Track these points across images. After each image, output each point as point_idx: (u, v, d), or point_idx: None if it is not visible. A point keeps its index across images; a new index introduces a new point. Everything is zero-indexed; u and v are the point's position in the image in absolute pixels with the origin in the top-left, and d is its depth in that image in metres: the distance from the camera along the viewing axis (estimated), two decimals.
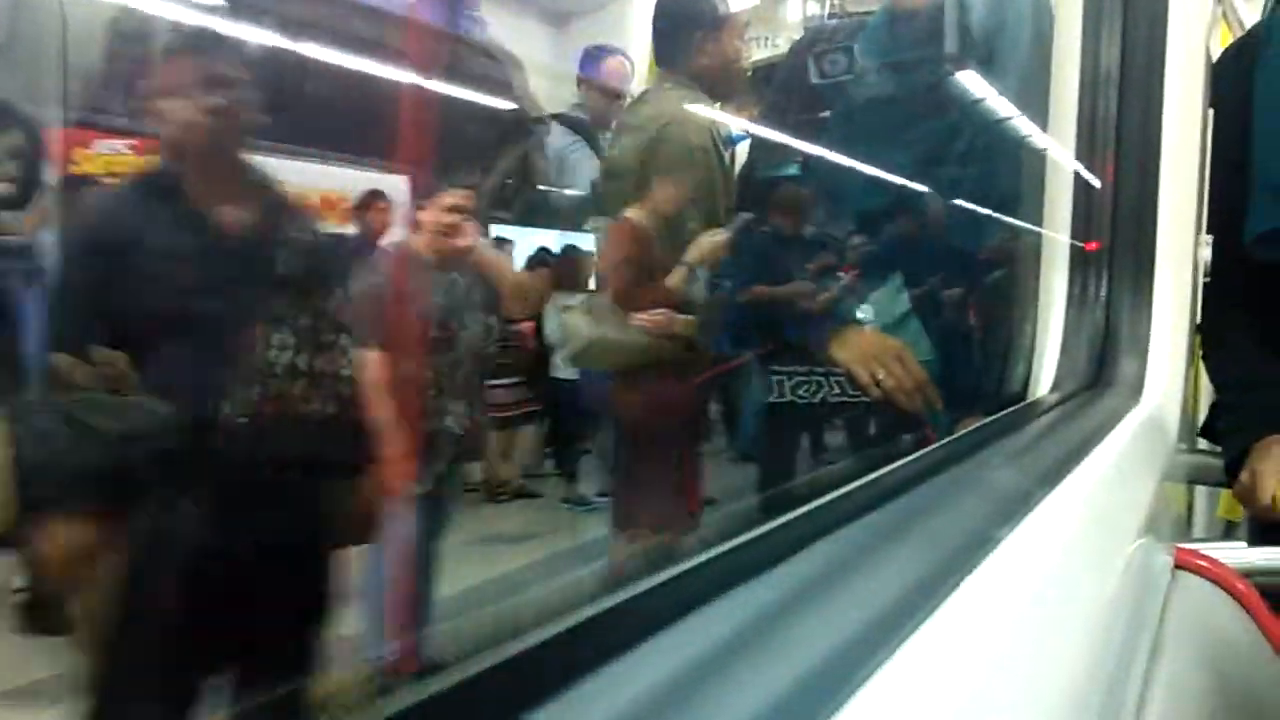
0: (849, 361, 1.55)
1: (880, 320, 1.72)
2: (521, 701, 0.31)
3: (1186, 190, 1.52)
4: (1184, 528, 1.93)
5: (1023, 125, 1.66)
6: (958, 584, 0.49)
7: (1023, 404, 1.33)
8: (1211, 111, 1.59)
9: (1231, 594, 1.00)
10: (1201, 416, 1.79)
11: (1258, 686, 0.93)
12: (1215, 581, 1.00)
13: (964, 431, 0.96)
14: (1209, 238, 1.62)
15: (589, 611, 0.37)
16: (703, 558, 0.45)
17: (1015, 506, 0.66)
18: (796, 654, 0.39)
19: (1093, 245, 1.48)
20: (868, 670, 0.38)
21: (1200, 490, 2.41)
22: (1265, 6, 1.52)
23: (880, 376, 1.50)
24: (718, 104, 2.44)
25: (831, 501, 0.60)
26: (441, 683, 0.31)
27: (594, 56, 3.23)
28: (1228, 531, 2.48)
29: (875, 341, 1.57)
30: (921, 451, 0.80)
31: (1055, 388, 1.38)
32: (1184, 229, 1.52)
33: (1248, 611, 0.99)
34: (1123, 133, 1.51)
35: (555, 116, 3.06)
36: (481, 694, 0.32)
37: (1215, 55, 1.66)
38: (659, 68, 2.63)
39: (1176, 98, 1.49)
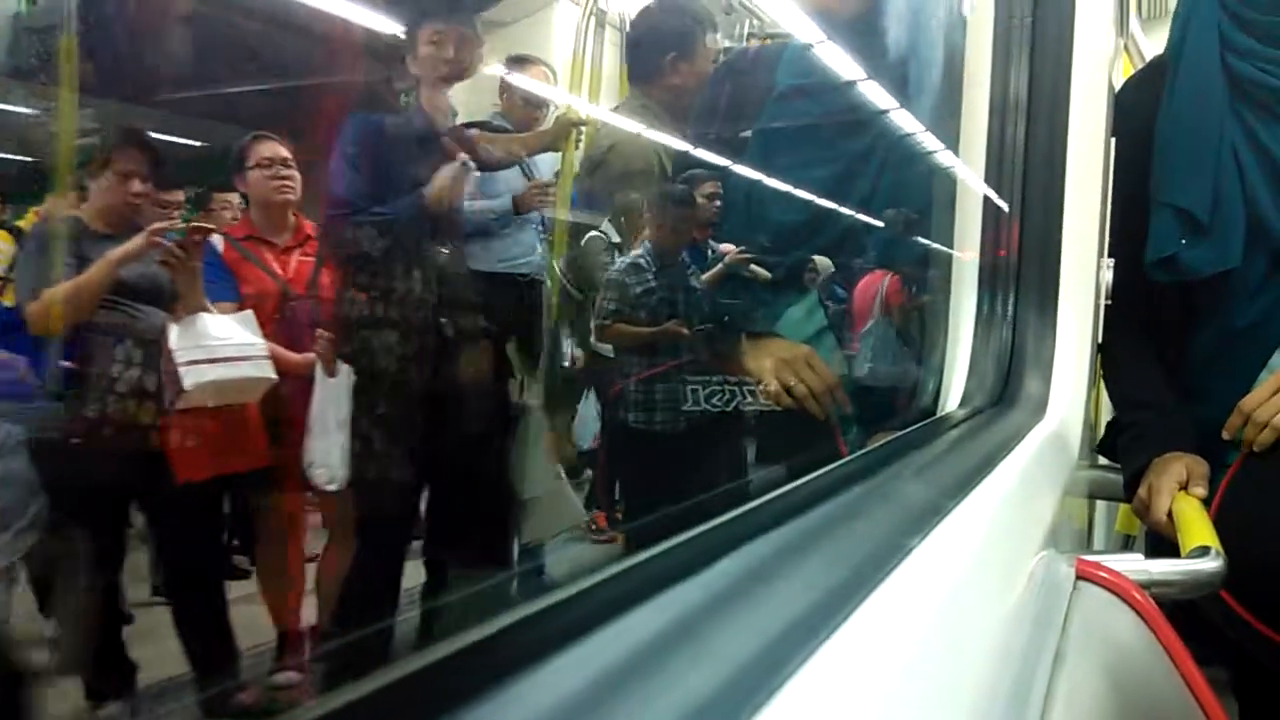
0: (759, 371, 1.55)
1: (795, 336, 1.74)
2: (450, 701, 0.31)
3: (1089, 215, 1.57)
4: (1085, 541, 1.98)
5: (935, 149, 1.70)
6: (870, 591, 0.51)
7: (932, 419, 1.36)
8: (1114, 140, 1.64)
9: (1130, 604, 1.03)
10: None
11: (1155, 693, 0.97)
12: (1115, 592, 1.04)
13: (875, 445, 0.98)
14: (1110, 261, 1.67)
15: (508, 617, 0.38)
16: (617, 567, 0.46)
17: (925, 518, 0.67)
18: (711, 661, 0.39)
19: (1001, 254, 1.52)
20: (782, 676, 0.39)
21: (1100, 505, 2.49)
22: (1170, 38, 1.58)
23: (791, 384, 1.49)
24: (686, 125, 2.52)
25: (745, 513, 0.60)
26: (370, 684, 0.31)
27: (517, 64, 3.30)
28: (1125, 545, 2.56)
29: (785, 348, 1.57)
30: (834, 464, 0.82)
31: (964, 403, 1.41)
32: (1087, 252, 1.57)
33: (1144, 620, 1.03)
34: (1030, 158, 1.55)
35: (476, 124, 3.11)
36: (407, 695, 0.32)
37: (1117, 85, 1.72)
38: (631, 85, 2.73)
39: (1081, 125, 1.55)
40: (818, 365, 1.51)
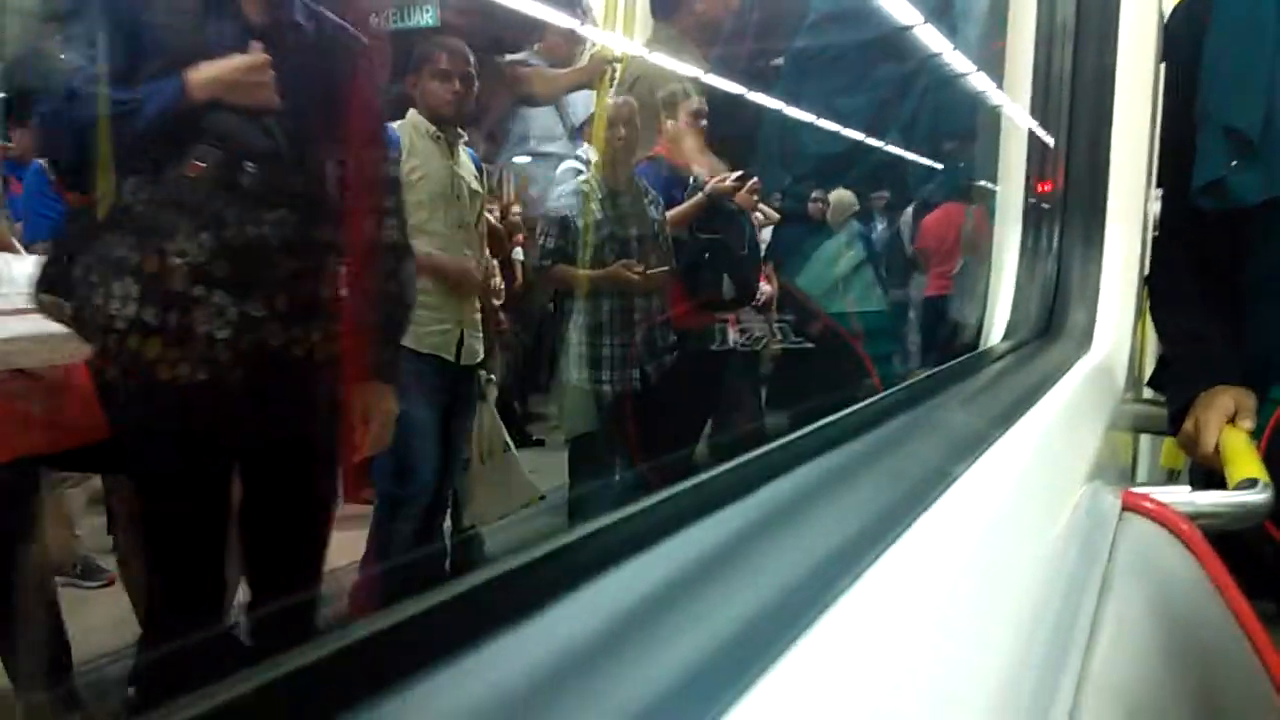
0: None
1: (834, 270, 1.72)
2: (513, 610, 0.31)
3: (1138, 145, 1.54)
4: (1130, 476, 1.97)
5: (979, 77, 1.67)
6: (917, 516, 0.51)
7: (976, 351, 1.35)
8: (1163, 67, 1.61)
9: (1176, 535, 1.03)
10: (1149, 368, 1.83)
11: (1201, 623, 0.96)
12: (1161, 523, 1.03)
13: (919, 377, 0.97)
14: (1159, 192, 1.64)
15: (566, 535, 0.38)
16: (668, 490, 0.46)
17: (970, 446, 0.67)
18: (759, 582, 0.39)
19: (1046, 185, 1.49)
20: (829, 597, 0.39)
21: (1144, 440, 2.46)
22: None
23: None
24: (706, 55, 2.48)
25: (792, 439, 0.60)
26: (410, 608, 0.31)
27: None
28: (1169, 480, 2.54)
29: None
30: (878, 395, 0.81)
31: (1007, 336, 1.40)
32: (1135, 183, 1.55)
33: (1191, 551, 1.02)
34: (1077, 86, 1.52)
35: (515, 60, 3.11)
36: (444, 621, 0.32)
37: (1167, 11, 1.68)
38: (655, 18, 2.70)
39: (1129, 53, 1.51)
40: None
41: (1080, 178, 1.51)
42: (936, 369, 1.00)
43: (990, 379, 1.04)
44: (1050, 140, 1.53)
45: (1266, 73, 1.47)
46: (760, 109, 1.71)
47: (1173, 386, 1.57)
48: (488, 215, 3.03)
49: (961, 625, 0.48)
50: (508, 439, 2.99)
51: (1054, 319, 1.44)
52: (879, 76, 1.61)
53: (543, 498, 3.03)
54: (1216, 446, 1.38)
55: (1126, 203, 1.52)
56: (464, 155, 2.77)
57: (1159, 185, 1.64)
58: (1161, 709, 0.75)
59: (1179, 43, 1.59)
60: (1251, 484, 1.15)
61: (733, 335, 3.32)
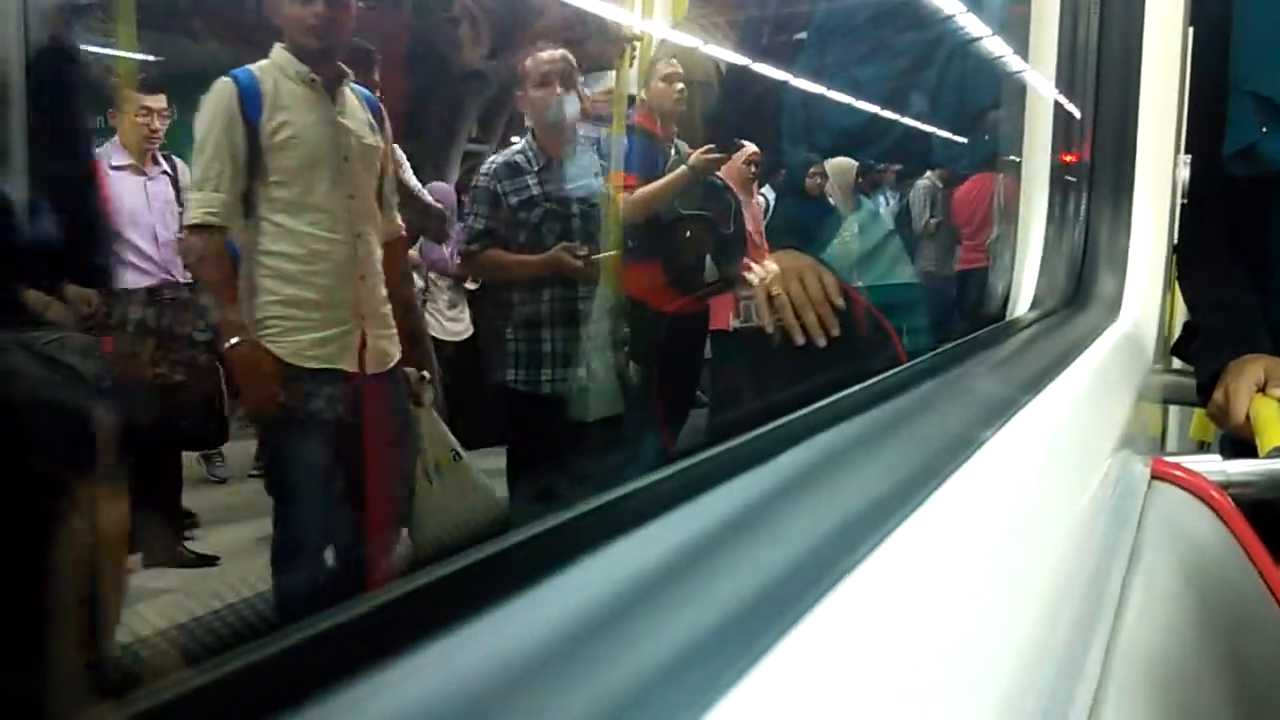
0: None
1: (862, 242, 1.71)
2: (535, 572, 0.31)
3: (1166, 110, 1.52)
4: (1159, 447, 1.96)
5: (1004, 46, 1.65)
6: (943, 480, 0.50)
7: (1004, 320, 1.34)
8: (1191, 30, 1.58)
9: (1207, 503, 1.02)
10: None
11: (1232, 591, 0.95)
12: (1192, 491, 1.02)
13: (947, 346, 0.96)
14: (1188, 158, 1.62)
15: (593, 499, 0.38)
16: (695, 456, 0.46)
17: (998, 412, 0.66)
18: (783, 543, 0.39)
19: (1072, 157, 1.47)
20: (854, 559, 0.39)
21: (1173, 411, 2.44)
22: None
23: (775, 293, 1.36)
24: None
25: (820, 406, 0.60)
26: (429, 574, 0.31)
27: None
28: (1199, 451, 2.52)
29: (788, 259, 1.43)
30: (906, 364, 0.81)
31: (1035, 305, 1.39)
32: (1163, 149, 1.52)
33: (1222, 520, 1.01)
34: (1104, 52, 1.50)
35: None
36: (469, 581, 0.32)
37: None
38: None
39: (1157, 16, 1.49)
40: (810, 282, 1.35)
41: (1107, 145, 1.49)
42: (961, 340, 0.99)
43: (1017, 347, 1.03)
44: (1076, 108, 1.51)
45: None
46: (784, 84, 1.69)
47: (1201, 356, 1.56)
48: (405, 176, 2.52)
49: (988, 589, 0.47)
50: (456, 445, 2.45)
51: (1081, 288, 1.42)
52: (900, 46, 1.59)
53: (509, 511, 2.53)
54: (1247, 416, 1.36)
55: (1155, 170, 1.50)
56: (354, 101, 2.19)
57: (1188, 152, 1.62)
58: (1191, 677, 0.74)
59: (1208, 6, 1.57)
60: None
61: (732, 319, 3.17)
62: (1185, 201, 1.63)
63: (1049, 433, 0.71)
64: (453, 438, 2.43)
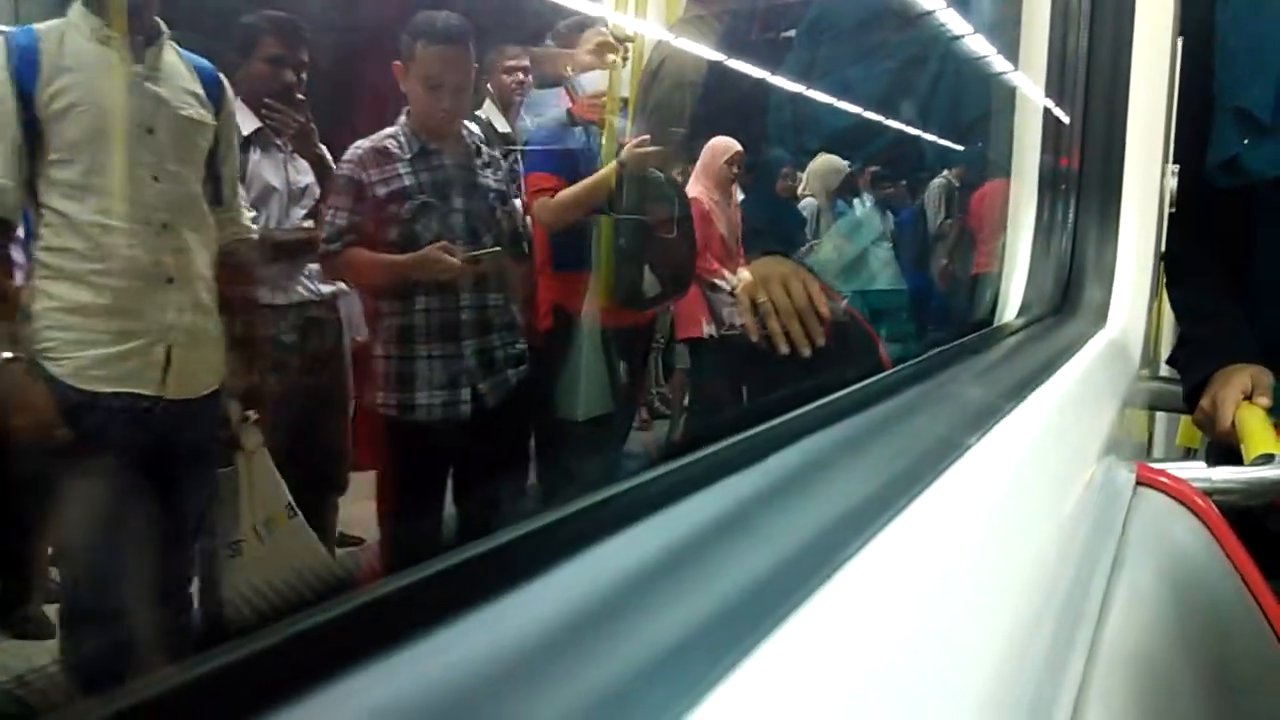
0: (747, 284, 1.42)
1: (853, 245, 1.71)
2: (514, 576, 0.32)
3: (1154, 119, 1.53)
4: (1145, 453, 1.97)
5: (993, 56, 1.66)
6: (927, 485, 0.50)
7: (990, 327, 1.35)
8: (1180, 40, 1.59)
9: (1191, 510, 1.02)
10: (1166, 345, 1.82)
11: (1215, 596, 0.96)
12: (1176, 498, 1.03)
13: (932, 352, 0.97)
14: (1176, 167, 1.63)
15: (572, 502, 0.38)
16: (680, 459, 0.46)
17: (983, 418, 0.67)
18: (766, 546, 0.39)
19: (1062, 160, 1.48)
20: (836, 562, 0.39)
21: (1160, 418, 2.46)
22: None
23: (760, 299, 1.32)
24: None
25: (805, 411, 0.60)
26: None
27: None
28: (1185, 458, 2.53)
29: (771, 265, 1.39)
30: (891, 370, 0.81)
31: (1022, 313, 1.39)
32: (1151, 158, 1.53)
33: (1206, 526, 1.02)
34: (1093, 62, 1.51)
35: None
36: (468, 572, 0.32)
37: None
38: None
39: (1146, 25, 1.50)
40: (795, 288, 1.32)
41: (1095, 151, 1.50)
42: (947, 346, 1.00)
43: (1004, 354, 1.03)
44: (1065, 116, 1.52)
45: (1275, 51, 1.46)
46: (772, 86, 1.68)
47: (1189, 364, 1.57)
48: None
49: (972, 593, 0.48)
50: (290, 499, 2.05)
51: (1069, 296, 1.43)
52: (890, 52, 1.60)
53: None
54: (1233, 423, 1.38)
55: (1143, 177, 1.51)
56: (176, 67, 1.81)
57: (1176, 161, 1.63)
58: (1173, 682, 0.75)
59: (1197, 14, 1.58)
60: (1268, 459, 1.15)
61: (705, 326, 2.97)
62: (1173, 210, 1.65)
63: (1034, 438, 0.71)
64: (286, 490, 2.04)
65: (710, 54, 2.36)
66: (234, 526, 1.93)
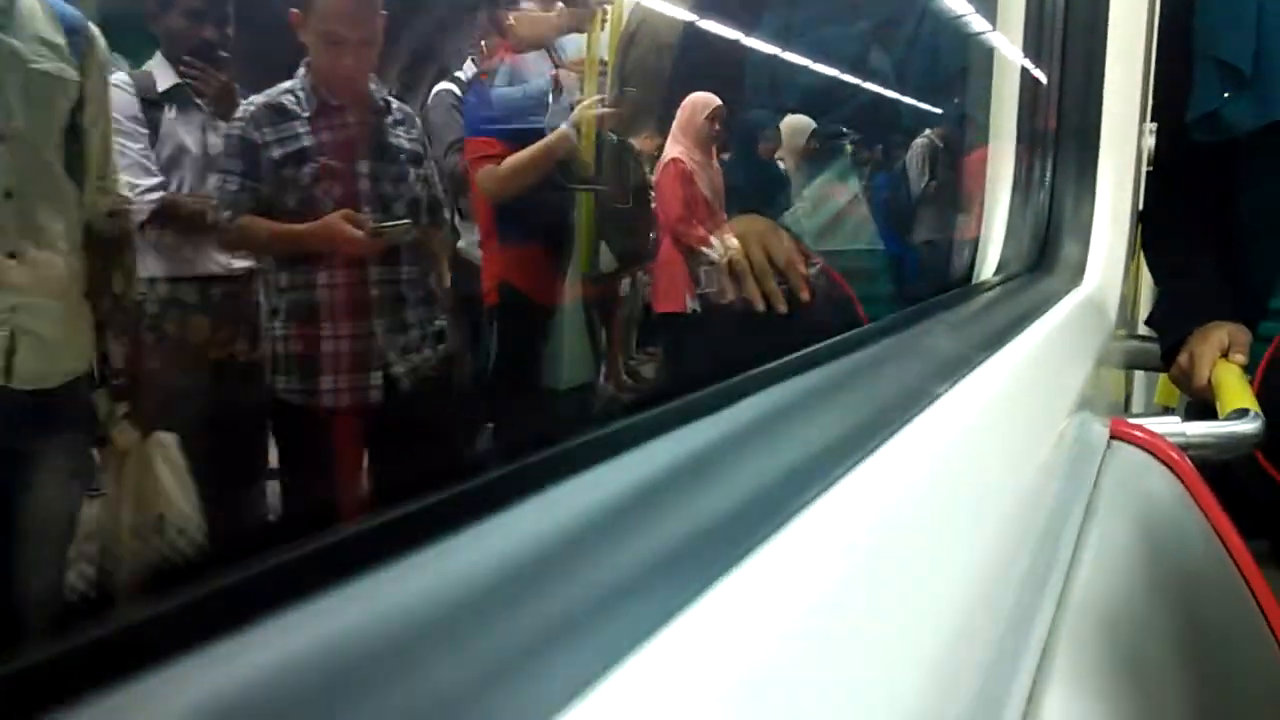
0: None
1: (827, 206, 1.70)
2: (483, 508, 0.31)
3: (1132, 77, 1.53)
4: (1122, 410, 1.97)
5: (971, 15, 1.65)
6: (894, 432, 0.50)
7: (968, 285, 1.34)
8: None
9: (1165, 463, 1.03)
10: (1145, 304, 1.83)
11: (1187, 547, 0.97)
12: (1150, 451, 1.03)
13: (908, 308, 0.97)
14: (1153, 125, 1.63)
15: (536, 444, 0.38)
16: (645, 411, 0.46)
17: (953, 369, 0.67)
18: (726, 490, 0.39)
19: (1038, 118, 1.47)
20: (796, 506, 0.39)
21: (1138, 378, 2.47)
22: None
23: (736, 258, 1.30)
24: None
25: (775, 364, 0.60)
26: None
27: None
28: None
29: (746, 223, 1.38)
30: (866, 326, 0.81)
31: (999, 270, 1.39)
32: (1129, 116, 1.53)
33: (1180, 479, 1.02)
34: (1070, 18, 1.50)
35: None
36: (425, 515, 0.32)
37: None
38: None
39: None
40: (773, 246, 1.29)
41: (1073, 109, 1.49)
42: (922, 302, 0.99)
43: (978, 309, 1.03)
44: (1043, 73, 1.51)
45: (1255, 3, 1.46)
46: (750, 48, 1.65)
47: (1166, 322, 1.57)
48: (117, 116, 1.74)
49: (937, 538, 0.47)
50: (177, 501, 1.66)
51: (1046, 253, 1.43)
52: (867, 10, 1.58)
53: None
54: (1209, 380, 1.38)
55: (1120, 136, 1.51)
56: (35, 14, 1.46)
57: (1154, 119, 1.63)
58: (1143, 631, 0.75)
59: None
60: (1242, 414, 1.15)
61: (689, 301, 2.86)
62: (1151, 169, 1.64)
63: (1005, 390, 0.71)
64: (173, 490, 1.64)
65: (687, 14, 2.30)
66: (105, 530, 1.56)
